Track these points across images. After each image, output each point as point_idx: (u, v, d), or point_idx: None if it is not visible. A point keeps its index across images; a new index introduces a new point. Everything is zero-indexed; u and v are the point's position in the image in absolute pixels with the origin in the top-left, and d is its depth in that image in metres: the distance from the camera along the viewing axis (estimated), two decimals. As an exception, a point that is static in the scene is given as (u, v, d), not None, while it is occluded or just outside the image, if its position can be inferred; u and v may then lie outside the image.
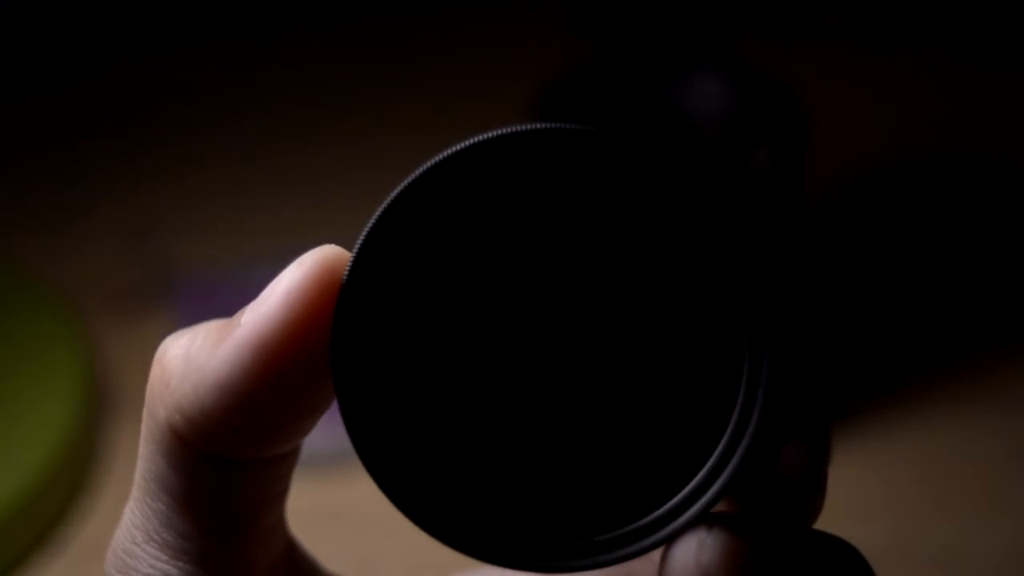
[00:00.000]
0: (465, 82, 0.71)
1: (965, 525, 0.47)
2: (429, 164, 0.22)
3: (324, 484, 0.49)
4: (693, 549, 0.21)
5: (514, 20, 0.74)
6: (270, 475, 0.24)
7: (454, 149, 0.21)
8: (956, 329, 0.55)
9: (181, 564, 0.24)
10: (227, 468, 0.23)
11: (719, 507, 0.22)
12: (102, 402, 0.53)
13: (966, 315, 0.56)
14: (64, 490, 0.49)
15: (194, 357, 0.22)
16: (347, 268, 0.22)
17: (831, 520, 0.46)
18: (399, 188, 0.22)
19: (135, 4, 0.76)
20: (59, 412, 0.49)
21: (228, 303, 0.64)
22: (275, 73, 0.73)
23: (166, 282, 0.58)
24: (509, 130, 0.21)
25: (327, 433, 0.49)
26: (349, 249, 0.22)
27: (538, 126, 0.21)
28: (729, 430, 0.22)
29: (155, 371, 0.23)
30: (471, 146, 0.21)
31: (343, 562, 0.47)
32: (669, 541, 0.21)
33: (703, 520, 0.21)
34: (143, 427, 0.23)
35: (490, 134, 0.21)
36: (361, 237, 0.22)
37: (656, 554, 0.22)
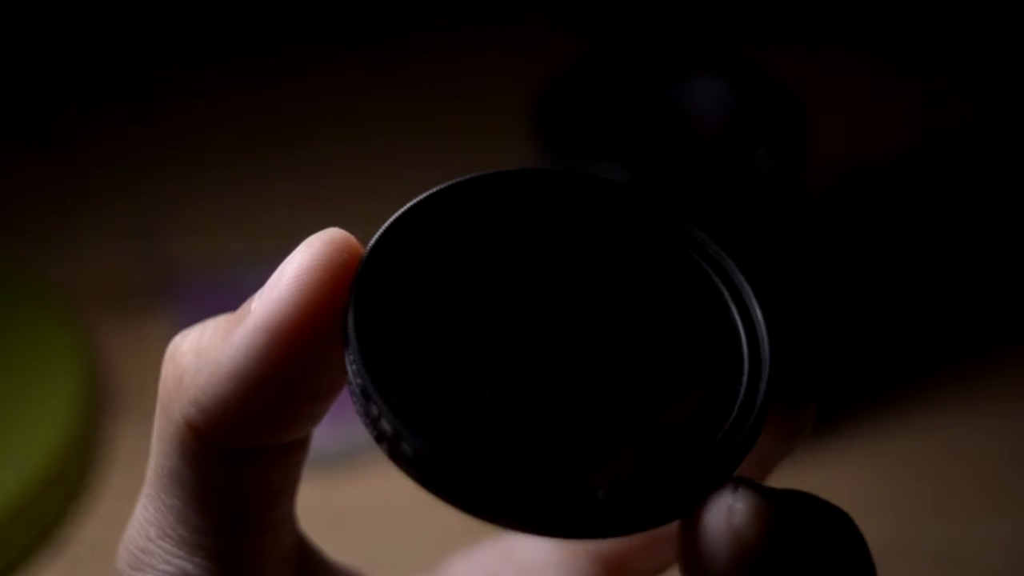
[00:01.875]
0: (465, 82, 0.71)
1: (966, 524, 0.47)
2: (443, 186, 0.24)
3: (325, 484, 0.49)
4: (724, 513, 0.21)
5: (514, 20, 0.74)
6: (283, 467, 0.24)
7: (460, 179, 0.24)
8: (956, 329, 0.55)
9: (197, 559, 0.24)
10: (242, 461, 0.23)
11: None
12: (102, 402, 0.53)
13: (966, 315, 0.56)
14: (64, 490, 0.49)
15: (206, 350, 0.22)
16: (367, 249, 0.22)
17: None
18: (414, 201, 0.24)
19: (135, 6, 0.76)
20: (59, 412, 0.49)
21: (228, 303, 0.64)
22: (275, 74, 0.73)
23: (166, 282, 0.58)
24: (506, 170, 0.24)
25: (328, 433, 0.49)
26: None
27: (527, 169, 0.24)
28: (739, 401, 0.22)
29: (167, 369, 0.23)
30: (475, 178, 0.24)
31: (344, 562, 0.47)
32: (692, 510, 0.21)
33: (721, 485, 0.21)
34: (156, 424, 0.24)
35: (488, 172, 0.24)
36: (381, 229, 0.23)
37: None
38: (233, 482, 0.23)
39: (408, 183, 0.72)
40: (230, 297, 0.62)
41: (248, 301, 0.23)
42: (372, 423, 0.21)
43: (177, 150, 0.67)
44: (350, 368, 0.22)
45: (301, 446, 0.24)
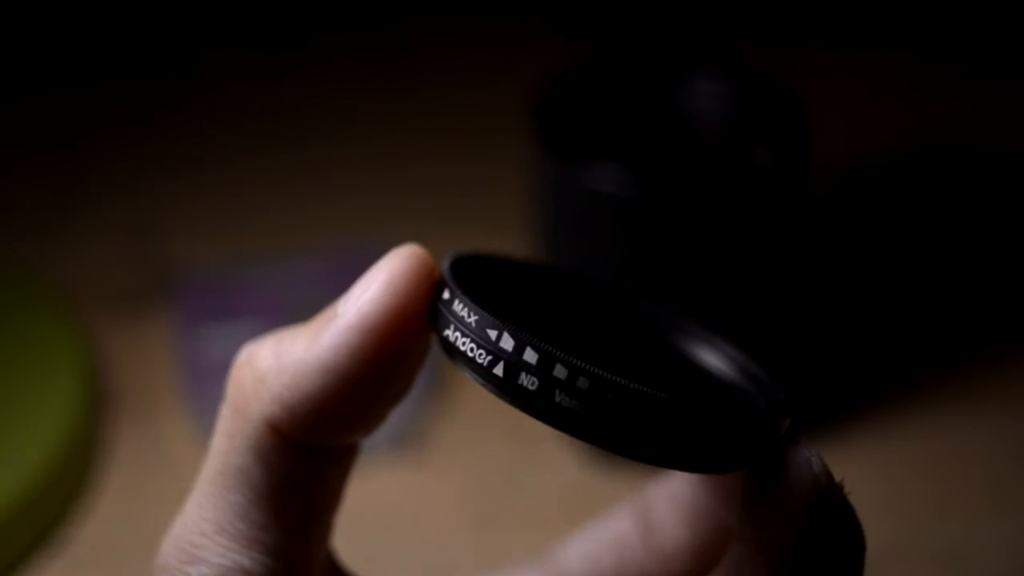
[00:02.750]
0: (465, 82, 0.71)
1: (966, 525, 0.47)
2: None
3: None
4: (807, 461, 0.23)
5: (514, 20, 0.74)
6: (342, 468, 0.26)
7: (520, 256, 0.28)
8: (957, 328, 0.55)
9: (254, 554, 0.25)
10: (311, 460, 0.25)
11: None
12: (102, 402, 0.53)
13: (967, 314, 0.56)
14: (64, 490, 0.49)
15: (288, 352, 0.25)
16: (449, 258, 0.25)
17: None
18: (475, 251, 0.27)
19: (135, 7, 0.76)
20: (59, 412, 0.49)
21: (228, 303, 0.64)
22: (275, 74, 0.73)
23: (166, 282, 0.58)
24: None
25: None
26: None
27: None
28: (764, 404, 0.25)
29: (243, 373, 0.25)
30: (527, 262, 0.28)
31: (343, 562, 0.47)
32: (774, 458, 0.24)
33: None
34: (226, 425, 0.25)
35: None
36: (452, 255, 0.26)
37: None
38: (301, 481, 0.25)
39: (408, 183, 0.72)
40: (230, 297, 0.62)
41: (328, 309, 0.25)
42: (489, 348, 0.23)
43: (177, 150, 0.67)
44: (456, 317, 0.24)
45: (355, 451, 0.26)
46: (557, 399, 0.22)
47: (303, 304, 0.55)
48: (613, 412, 0.22)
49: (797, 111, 0.47)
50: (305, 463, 0.25)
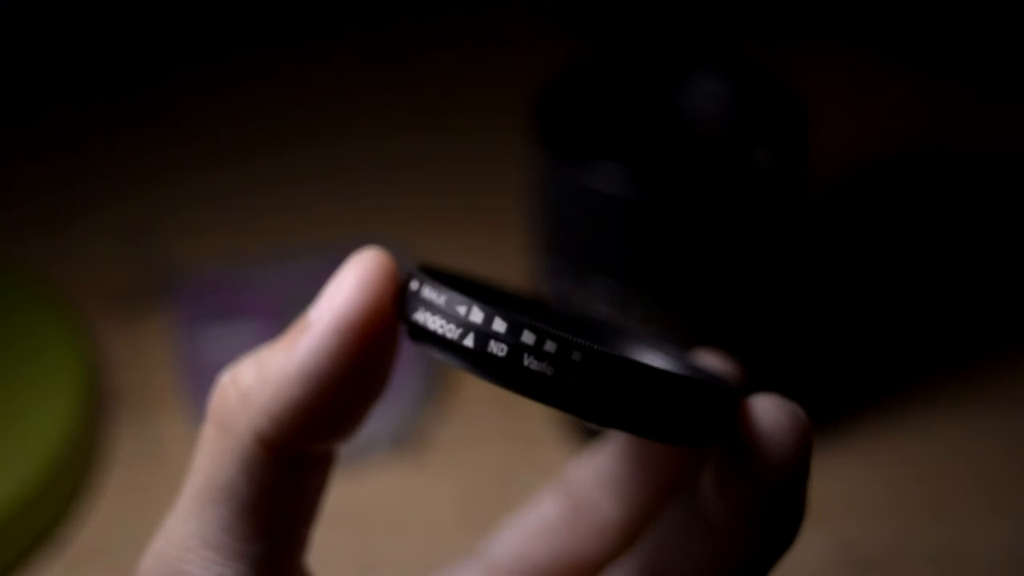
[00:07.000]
0: (465, 82, 0.71)
1: (965, 525, 0.47)
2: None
3: (324, 484, 0.49)
4: (775, 401, 0.25)
5: (514, 20, 0.74)
6: (323, 476, 0.27)
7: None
8: (957, 329, 0.55)
9: (238, 566, 0.25)
10: (297, 470, 0.26)
11: None
12: (102, 402, 0.53)
13: (967, 315, 0.56)
14: (64, 490, 0.49)
15: (267, 366, 0.25)
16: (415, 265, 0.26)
17: (831, 520, 0.46)
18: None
19: (134, 8, 0.77)
20: (59, 412, 0.49)
21: (228, 303, 0.64)
22: (274, 74, 0.73)
23: (166, 282, 0.58)
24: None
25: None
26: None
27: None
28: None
29: (227, 392, 0.26)
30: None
31: (343, 562, 0.47)
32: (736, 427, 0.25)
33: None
34: (211, 443, 0.26)
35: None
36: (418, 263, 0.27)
37: None
38: (284, 492, 0.26)
39: (408, 183, 0.72)
40: (230, 297, 0.62)
41: (299, 321, 0.25)
42: (459, 321, 0.24)
43: (177, 150, 0.67)
44: (425, 301, 0.25)
45: (333, 460, 0.27)
46: (526, 363, 0.23)
47: (303, 304, 0.55)
48: (579, 374, 0.23)
49: (798, 111, 0.47)
50: (289, 474, 0.26)
